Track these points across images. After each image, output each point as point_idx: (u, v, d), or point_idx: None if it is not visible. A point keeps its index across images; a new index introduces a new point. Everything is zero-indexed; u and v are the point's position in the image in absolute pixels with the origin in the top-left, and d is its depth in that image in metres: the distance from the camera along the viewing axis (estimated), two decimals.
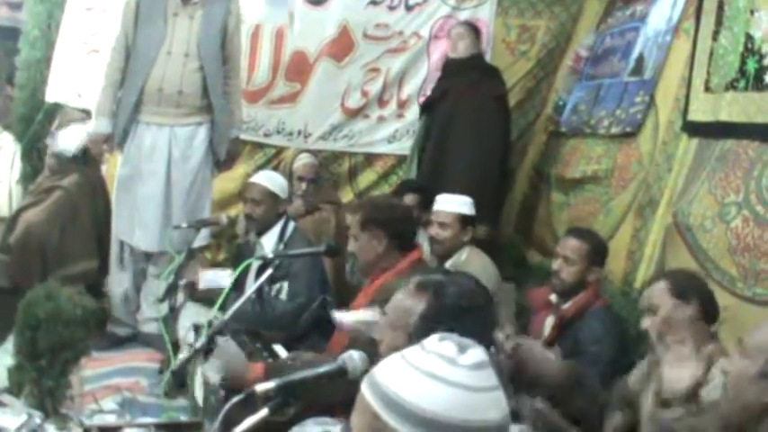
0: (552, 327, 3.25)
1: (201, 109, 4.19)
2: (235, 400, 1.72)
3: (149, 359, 3.95)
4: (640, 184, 3.92)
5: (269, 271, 3.07)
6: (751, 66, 3.11)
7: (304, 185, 4.79)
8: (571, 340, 3.14)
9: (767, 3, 3.08)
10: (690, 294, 2.53)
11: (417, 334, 1.78)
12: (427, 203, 4.06)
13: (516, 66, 5.49)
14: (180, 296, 3.69)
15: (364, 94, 5.38)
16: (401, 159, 5.30)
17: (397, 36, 5.33)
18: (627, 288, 3.70)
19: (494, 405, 1.19)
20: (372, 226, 2.95)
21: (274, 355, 3.10)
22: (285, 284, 3.78)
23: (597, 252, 3.31)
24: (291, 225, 4.10)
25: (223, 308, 2.95)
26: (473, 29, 4.84)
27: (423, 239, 3.95)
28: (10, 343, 2.74)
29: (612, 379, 2.80)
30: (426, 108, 4.92)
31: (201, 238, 4.17)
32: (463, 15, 5.23)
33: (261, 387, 1.71)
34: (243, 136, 4.77)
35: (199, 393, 2.60)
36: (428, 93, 5.09)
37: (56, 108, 5.06)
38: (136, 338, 4.33)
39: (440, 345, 1.21)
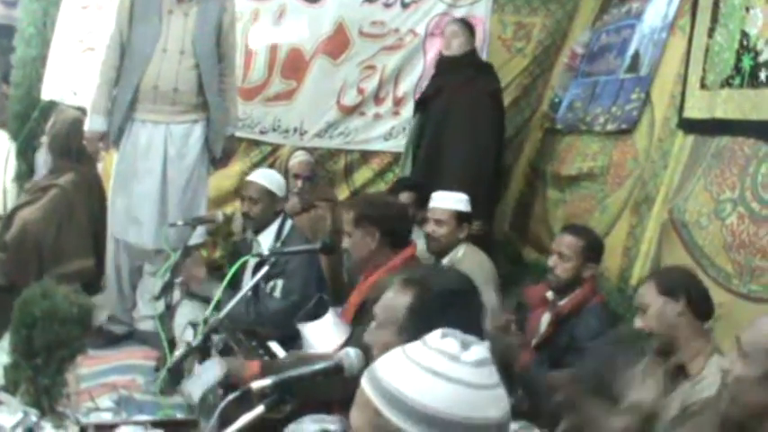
0: (549, 323, 3.26)
1: (197, 106, 4.19)
2: (231, 397, 1.72)
3: (145, 357, 3.95)
4: (636, 180, 3.93)
5: (265, 269, 3.07)
6: (746, 63, 3.11)
7: (300, 183, 4.79)
8: (567, 336, 3.15)
9: (762, 0, 3.09)
10: (678, 291, 2.53)
11: (407, 328, 1.78)
12: (423, 201, 4.06)
13: (512, 63, 5.50)
14: (176, 294, 3.69)
15: (360, 91, 5.37)
16: (397, 157, 5.29)
17: (392, 33, 5.32)
18: (623, 285, 3.71)
19: (495, 402, 1.19)
20: (366, 223, 2.95)
21: (270, 352, 3.10)
22: (279, 282, 3.77)
23: (592, 248, 3.32)
24: (289, 223, 4.10)
25: (218, 307, 2.96)
26: (467, 26, 4.83)
27: (419, 237, 3.95)
28: (6, 341, 2.73)
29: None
30: (420, 105, 4.92)
31: (197, 236, 4.16)
32: (459, 12, 5.22)
33: (257, 384, 1.71)
34: (239, 133, 4.77)
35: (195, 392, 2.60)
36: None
37: (51, 106, 5.04)
38: (132, 336, 4.33)
39: (442, 341, 1.20)
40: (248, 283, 3.32)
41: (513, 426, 1.34)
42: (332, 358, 1.87)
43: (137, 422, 2.57)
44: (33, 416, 2.40)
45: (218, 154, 4.34)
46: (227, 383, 2.47)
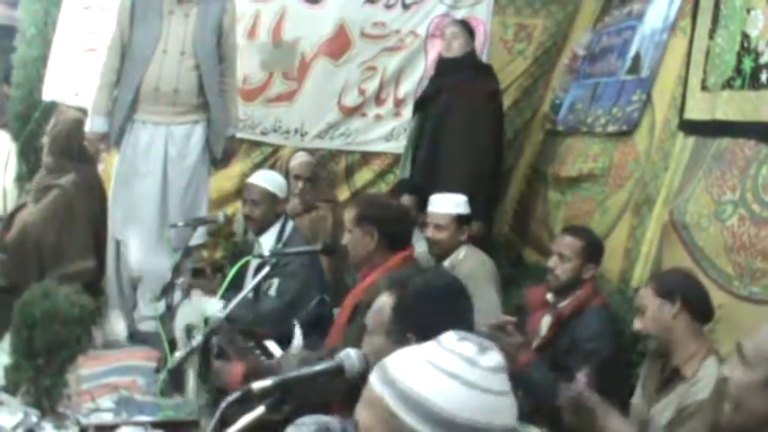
0: (550, 325, 3.25)
1: (198, 107, 4.19)
2: (231, 398, 1.72)
3: (146, 358, 3.93)
4: (637, 182, 3.93)
5: (266, 269, 3.07)
6: (747, 64, 3.11)
7: (300, 184, 4.79)
8: (568, 338, 3.14)
9: (763, 1, 3.09)
10: (675, 293, 2.53)
11: (392, 328, 1.79)
12: (424, 204, 4.06)
13: (513, 64, 5.50)
14: (177, 294, 3.69)
15: (361, 92, 5.38)
16: (398, 158, 5.29)
17: (393, 34, 5.33)
18: (623, 286, 3.71)
19: (510, 410, 1.17)
20: (366, 222, 2.96)
21: (267, 352, 3.10)
22: (275, 281, 3.76)
23: (592, 249, 3.31)
24: (290, 224, 4.09)
25: None
26: (466, 27, 4.84)
27: (419, 240, 3.95)
28: (6, 342, 2.73)
29: (609, 377, 2.80)
30: (420, 106, 4.92)
31: (198, 237, 4.17)
32: (460, 14, 5.23)
33: (257, 385, 1.71)
34: (239, 134, 4.76)
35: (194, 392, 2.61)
36: None
37: (52, 107, 5.05)
38: (133, 337, 4.32)
39: (459, 344, 1.18)
40: (249, 284, 3.32)
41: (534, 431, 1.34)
42: (332, 359, 1.87)
43: (137, 423, 2.57)
44: (34, 416, 2.41)
45: (218, 155, 4.34)
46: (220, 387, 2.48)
